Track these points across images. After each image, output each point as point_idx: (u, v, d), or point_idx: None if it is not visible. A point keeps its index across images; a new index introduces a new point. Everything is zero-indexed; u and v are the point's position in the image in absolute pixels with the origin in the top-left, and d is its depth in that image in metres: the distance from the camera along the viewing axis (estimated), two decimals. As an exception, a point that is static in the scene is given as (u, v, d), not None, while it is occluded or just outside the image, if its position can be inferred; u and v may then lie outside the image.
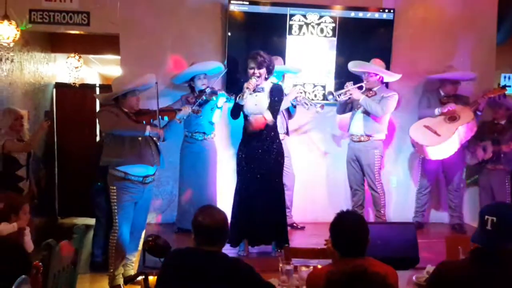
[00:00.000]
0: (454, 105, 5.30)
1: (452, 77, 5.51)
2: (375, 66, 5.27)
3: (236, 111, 4.49)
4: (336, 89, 5.51)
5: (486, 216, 2.29)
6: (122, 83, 4.38)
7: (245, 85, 4.37)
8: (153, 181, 4.45)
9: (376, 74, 5.25)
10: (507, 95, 5.58)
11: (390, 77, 5.37)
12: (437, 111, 5.37)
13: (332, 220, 2.60)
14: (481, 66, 5.95)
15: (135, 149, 4.23)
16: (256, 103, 4.43)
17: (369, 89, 5.28)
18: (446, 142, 5.15)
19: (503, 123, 5.50)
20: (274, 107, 4.47)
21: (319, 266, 2.82)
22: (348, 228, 2.53)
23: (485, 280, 2.23)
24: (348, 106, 5.38)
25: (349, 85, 5.18)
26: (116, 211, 4.26)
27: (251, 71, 4.40)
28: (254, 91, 4.40)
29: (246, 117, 4.49)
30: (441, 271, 2.41)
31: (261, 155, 4.45)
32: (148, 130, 4.24)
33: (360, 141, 5.26)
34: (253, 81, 4.37)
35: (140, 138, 4.25)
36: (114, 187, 4.24)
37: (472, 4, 5.97)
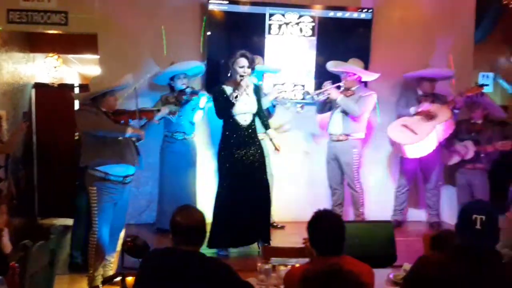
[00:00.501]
0: (428, 105, 5.34)
1: (427, 75, 5.54)
2: (354, 66, 5.31)
3: (228, 110, 4.47)
4: (316, 89, 5.54)
5: (474, 215, 2.28)
6: (101, 82, 4.36)
7: (242, 83, 4.38)
8: (132, 181, 4.43)
9: (355, 74, 5.28)
10: (485, 94, 5.65)
11: (368, 76, 5.41)
12: (412, 110, 5.42)
13: (310, 219, 2.63)
14: (460, 64, 6.00)
15: (117, 149, 4.21)
16: (246, 102, 4.47)
17: (347, 89, 5.31)
18: (423, 140, 5.20)
19: (480, 123, 5.55)
20: (260, 107, 4.57)
21: (297, 265, 2.85)
22: (324, 227, 2.56)
23: (473, 279, 2.24)
24: (327, 106, 5.41)
25: (327, 85, 5.21)
26: (96, 212, 4.23)
27: (241, 70, 4.41)
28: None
29: (230, 116, 4.48)
30: (419, 267, 2.42)
31: (244, 154, 4.47)
32: (129, 132, 4.23)
33: (339, 140, 5.30)
34: (249, 81, 4.39)
35: (120, 138, 4.23)
36: (94, 188, 4.21)
37: (450, 3, 6.02)
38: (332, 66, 5.38)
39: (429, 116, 5.30)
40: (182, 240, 2.59)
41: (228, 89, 4.48)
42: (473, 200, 4.70)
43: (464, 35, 6.09)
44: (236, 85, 4.42)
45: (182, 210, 2.69)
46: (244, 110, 4.48)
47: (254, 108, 4.54)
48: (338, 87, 5.27)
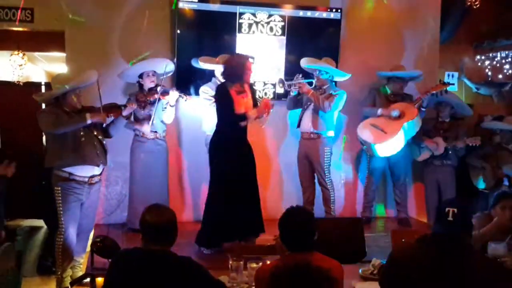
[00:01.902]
0: (397, 111, 5.39)
1: (403, 75, 5.64)
2: (327, 64, 5.35)
3: (232, 109, 4.46)
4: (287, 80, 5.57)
5: (447, 208, 2.42)
6: (62, 81, 4.28)
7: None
8: (99, 181, 4.38)
9: (327, 73, 5.32)
10: (449, 92, 5.78)
11: (341, 76, 5.47)
12: (379, 111, 5.47)
13: (281, 216, 2.65)
14: (425, 64, 6.14)
15: (77, 150, 4.16)
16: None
17: (319, 87, 5.35)
18: (392, 138, 5.28)
19: (447, 121, 5.70)
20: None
21: (268, 262, 2.86)
22: (295, 223, 2.59)
23: (446, 266, 2.32)
24: (298, 102, 5.44)
25: (299, 77, 5.22)
26: (61, 212, 4.18)
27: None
28: None
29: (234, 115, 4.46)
30: (394, 257, 2.51)
31: (241, 149, 4.54)
32: (90, 118, 4.17)
33: (310, 138, 5.33)
34: None
35: (83, 139, 4.17)
36: (59, 188, 4.15)
37: (417, 4, 6.14)
38: (306, 62, 5.42)
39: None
40: (152, 240, 2.57)
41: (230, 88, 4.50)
42: (450, 198, 4.82)
43: (430, 35, 6.22)
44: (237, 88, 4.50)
45: (152, 209, 2.66)
46: (246, 109, 4.49)
47: (251, 106, 4.55)
48: (310, 84, 5.31)
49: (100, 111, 4.27)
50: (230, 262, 2.91)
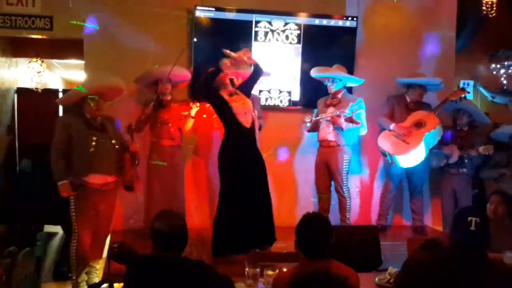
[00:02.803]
0: (416, 113, 5.40)
1: (423, 82, 5.58)
2: (339, 71, 5.35)
3: (229, 113, 4.50)
4: (301, 96, 5.60)
5: (470, 218, 2.40)
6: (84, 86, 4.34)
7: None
8: (114, 188, 4.40)
9: (340, 80, 5.33)
10: (467, 100, 5.75)
11: (354, 82, 5.47)
12: (391, 126, 5.42)
13: (298, 222, 2.65)
14: (441, 72, 6.09)
15: (87, 160, 4.18)
16: (243, 102, 4.57)
17: (334, 97, 5.35)
18: (415, 149, 5.24)
19: (465, 129, 5.65)
20: None
21: (285, 270, 2.87)
22: (312, 230, 2.59)
23: (463, 276, 2.32)
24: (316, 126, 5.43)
25: (327, 114, 5.23)
26: (74, 218, 4.23)
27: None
28: None
29: (233, 119, 4.48)
30: (408, 266, 2.51)
31: (249, 157, 4.53)
32: (60, 187, 4.15)
33: (330, 146, 5.32)
34: None
35: (92, 149, 4.19)
36: (72, 194, 4.20)
37: (432, 12, 6.13)
38: (317, 72, 5.43)
39: (418, 124, 5.34)
40: (162, 247, 2.60)
41: (223, 95, 4.51)
42: (467, 205, 4.80)
43: (446, 44, 6.19)
44: (228, 91, 4.49)
45: (161, 216, 2.69)
46: (244, 110, 4.50)
47: (250, 106, 4.56)
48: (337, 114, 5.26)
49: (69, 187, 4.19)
50: (247, 270, 2.93)
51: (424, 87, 5.62)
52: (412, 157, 5.28)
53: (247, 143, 4.55)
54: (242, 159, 4.48)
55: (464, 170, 5.58)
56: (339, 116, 5.16)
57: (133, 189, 4.54)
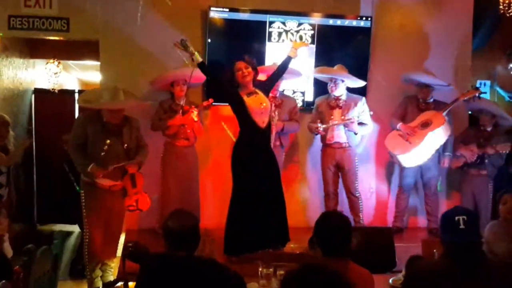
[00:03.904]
0: (425, 113, 5.37)
1: (424, 80, 5.53)
2: (341, 72, 5.32)
3: (245, 111, 4.48)
4: (315, 95, 5.59)
5: (457, 217, 2.39)
6: (101, 97, 4.36)
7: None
8: (123, 188, 4.43)
9: (343, 81, 5.30)
10: (490, 101, 5.67)
11: (355, 83, 5.41)
12: (398, 126, 5.41)
13: (318, 218, 2.66)
14: (458, 72, 6.07)
15: (99, 161, 4.22)
16: (262, 102, 4.51)
17: (337, 98, 5.32)
18: (415, 148, 5.22)
19: (489, 130, 5.55)
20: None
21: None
22: (333, 226, 2.59)
23: (463, 274, 2.32)
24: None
25: (339, 120, 5.22)
26: (85, 215, 4.32)
27: (239, 73, 4.49)
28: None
29: (249, 118, 4.46)
30: (413, 270, 2.53)
31: (263, 157, 4.52)
32: (91, 171, 4.18)
33: (341, 147, 5.31)
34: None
35: (103, 153, 4.22)
36: (84, 192, 4.29)
37: (448, 11, 6.06)
38: (319, 72, 5.43)
39: (425, 124, 5.31)
40: (175, 246, 2.62)
41: (242, 94, 4.49)
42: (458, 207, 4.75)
43: (462, 43, 6.13)
44: (247, 90, 4.48)
45: (174, 216, 2.71)
46: (260, 110, 4.47)
47: (268, 106, 4.53)
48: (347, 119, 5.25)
49: (109, 167, 4.24)
50: (260, 270, 2.93)
51: (430, 86, 5.55)
52: (415, 156, 5.26)
53: (261, 143, 4.55)
54: (255, 159, 4.48)
55: (484, 171, 5.49)
56: (353, 122, 5.15)
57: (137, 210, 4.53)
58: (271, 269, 2.92)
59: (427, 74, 5.70)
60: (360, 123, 5.25)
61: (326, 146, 5.41)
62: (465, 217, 2.38)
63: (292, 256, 3.53)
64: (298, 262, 3.21)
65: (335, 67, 5.39)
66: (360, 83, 5.43)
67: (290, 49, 4.71)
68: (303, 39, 5.69)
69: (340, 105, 5.29)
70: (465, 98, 5.41)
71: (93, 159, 4.22)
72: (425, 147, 5.26)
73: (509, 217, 3.73)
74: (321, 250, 2.57)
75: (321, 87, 5.71)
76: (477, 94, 5.41)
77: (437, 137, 5.29)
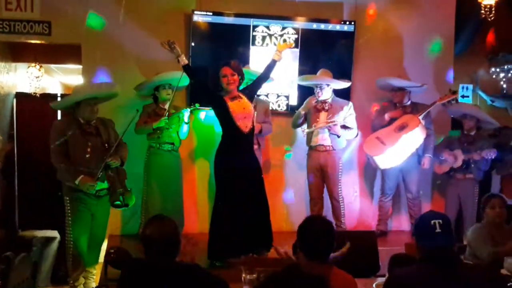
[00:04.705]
0: (399, 113, 5.43)
1: (396, 84, 5.56)
2: (325, 77, 5.33)
3: (228, 116, 4.45)
4: (299, 100, 5.61)
5: (433, 221, 2.41)
6: (80, 90, 4.34)
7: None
8: (108, 194, 4.37)
9: (328, 85, 5.30)
10: (474, 105, 5.71)
11: (340, 85, 5.41)
12: (386, 115, 5.47)
13: (301, 223, 2.64)
14: (440, 76, 6.11)
15: (81, 167, 4.18)
16: (244, 106, 4.48)
17: (324, 101, 5.32)
18: (389, 150, 5.26)
19: (473, 134, 5.58)
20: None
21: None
22: (317, 230, 2.57)
23: (442, 278, 2.33)
24: (305, 120, 5.41)
25: (323, 123, 5.21)
26: (70, 222, 4.24)
27: (225, 79, 4.45)
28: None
29: (231, 123, 4.43)
30: (392, 276, 2.52)
31: (245, 162, 4.49)
32: (79, 181, 4.13)
33: (325, 150, 5.31)
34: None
35: (87, 155, 4.20)
36: (68, 198, 4.21)
37: (431, 16, 6.12)
38: (302, 80, 5.44)
39: (401, 127, 5.34)
40: (154, 254, 2.57)
41: (225, 98, 4.45)
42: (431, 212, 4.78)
43: (444, 47, 6.18)
44: (230, 94, 4.44)
45: (152, 222, 2.65)
46: (243, 115, 4.45)
47: (251, 111, 4.52)
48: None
49: (95, 179, 4.19)
50: (243, 275, 2.91)
51: (404, 89, 5.57)
52: (390, 157, 5.30)
53: (244, 148, 4.52)
54: (237, 163, 4.45)
55: (470, 175, 5.52)
56: (335, 124, 5.15)
57: (124, 206, 4.48)
58: (254, 275, 2.90)
59: (400, 77, 5.70)
60: (345, 127, 5.25)
61: (311, 149, 5.41)
62: (440, 220, 2.40)
63: (276, 261, 3.49)
64: (282, 267, 3.23)
65: (319, 72, 5.40)
66: (345, 85, 5.43)
67: (275, 52, 4.69)
68: (287, 42, 5.68)
69: (326, 108, 5.29)
70: (443, 102, 5.46)
71: (77, 162, 4.17)
72: (400, 149, 5.29)
73: (498, 221, 3.74)
74: (304, 255, 2.55)
75: (305, 91, 5.71)
76: (455, 98, 5.45)
77: (413, 138, 5.31)
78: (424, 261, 2.43)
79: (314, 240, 2.54)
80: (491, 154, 5.31)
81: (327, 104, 5.30)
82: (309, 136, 5.36)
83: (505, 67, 7.60)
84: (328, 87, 5.29)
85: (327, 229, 2.59)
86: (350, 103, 5.33)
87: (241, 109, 4.44)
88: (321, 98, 5.29)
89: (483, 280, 2.38)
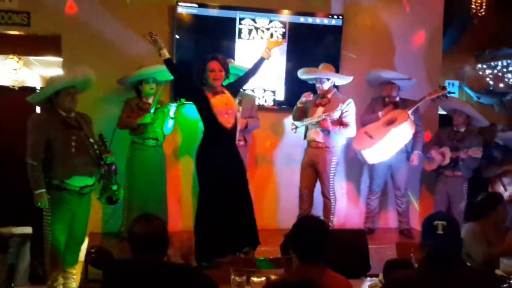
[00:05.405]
0: (390, 110, 5.35)
1: (387, 77, 5.50)
2: (327, 71, 5.24)
3: (210, 112, 4.34)
4: (286, 95, 5.50)
5: (436, 222, 2.37)
6: (55, 81, 4.15)
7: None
8: (91, 191, 4.23)
9: (329, 79, 5.21)
10: (463, 101, 5.68)
11: (342, 80, 5.34)
12: (380, 113, 5.40)
13: (294, 224, 2.55)
14: (428, 71, 6.07)
15: (68, 161, 4.00)
16: (226, 102, 4.38)
17: (323, 96, 5.23)
18: (377, 144, 5.19)
19: (462, 131, 5.55)
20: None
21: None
22: (311, 231, 2.47)
23: (442, 280, 2.29)
24: (304, 112, 5.28)
25: (312, 118, 5.11)
26: (49, 221, 4.05)
27: (212, 74, 4.34)
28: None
29: (213, 118, 4.32)
30: (392, 280, 2.44)
31: (227, 159, 4.38)
32: (37, 196, 3.93)
33: (319, 147, 5.21)
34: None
35: (73, 149, 4.02)
36: (49, 196, 4.00)
37: (419, 11, 6.06)
38: (303, 73, 5.31)
39: (390, 122, 5.28)
40: (142, 252, 2.47)
41: (208, 93, 4.34)
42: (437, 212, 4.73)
43: (432, 42, 6.13)
44: (213, 89, 4.32)
45: (140, 220, 2.56)
46: (226, 111, 4.34)
47: (235, 107, 4.41)
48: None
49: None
50: (232, 277, 2.79)
51: (393, 83, 5.50)
52: (378, 152, 5.23)
53: (226, 145, 4.41)
54: (220, 161, 4.33)
55: (459, 173, 5.48)
56: (325, 119, 5.04)
57: (115, 202, 4.39)
58: (244, 277, 2.78)
59: (388, 70, 5.65)
60: (341, 123, 5.14)
61: (307, 145, 5.33)
62: (444, 222, 2.36)
63: (265, 261, 3.39)
64: (272, 268, 3.12)
65: (320, 66, 5.30)
66: (346, 80, 5.34)
67: (264, 50, 4.58)
68: (274, 37, 5.58)
69: (324, 103, 5.19)
70: (432, 97, 5.41)
71: (64, 160, 3.99)
72: (389, 143, 5.23)
73: (501, 226, 3.67)
74: (297, 257, 2.45)
75: (292, 86, 5.62)
76: (444, 94, 5.41)
77: (401, 133, 5.25)
78: (426, 262, 2.38)
79: (308, 242, 2.44)
80: (477, 153, 5.27)
81: (325, 100, 5.20)
82: (306, 131, 5.28)
83: (492, 63, 7.62)
84: (328, 81, 5.20)
85: (323, 231, 2.50)
86: (350, 100, 5.20)
87: (223, 105, 4.33)
88: (322, 93, 5.19)
89: (484, 283, 2.33)
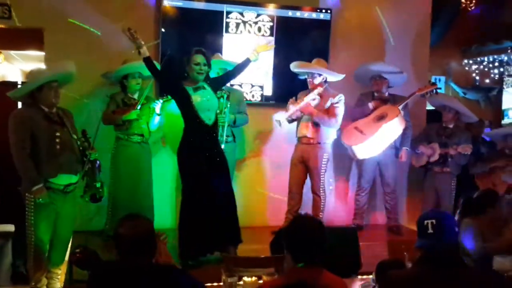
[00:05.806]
0: (380, 105, 5.32)
1: (378, 70, 5.47)
2: (319, 67, 5.18)
3: (190, 108, 4.27)
4: (274, 89, 5.41)
5: (426, 221, 2.36)
6: (37, 75, 4.01)
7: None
8: (75, 189, 4.11)
9: (321, 74, 5.15)
10: (452, 97, 5.66)
11: (334, 77, 5.28)
12: (370, 104, 5.37)
13: (289, 223, 2.50)
14: (415, 66, 6.06)
15: (53, 159, 3.88)
16: (208, 98, 4.32)
17: (313, 89, 5.16)
18: (368, 139, 5.16)
19: (451, 127, 5.54)
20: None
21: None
22: (308, 232, 2.41)
23: (439, 280, 2.26)
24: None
25: (296, 103, 5.04)
26: (32, 220, 3.91)
27: (197, 67, 4.27)
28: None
29: (194, 115, 4.24)
30: (389, 279, 2.38)
31: (207, 155, 4.29)
32: (34, 191, 3.81)
33: (309, 143, 5.15)
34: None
35: (58, 146, 3.90)
36: (32, 196, 3.88)
37: (406, 6, 6.04)
38: (297, 66, 5.24)
39: (381, 117, 5.25)
40: (129, 253, 2.40)
41: (188, 89, 4.27)
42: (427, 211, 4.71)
43: (420, 37, 6.11)
44: (194, 84, 4.23)
45: (126, 221, 2.48)
46: (207, 107, 4.27)
47: (215, 104, 4.35)
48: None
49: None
50: (223, 278, 2.73)
51: (383, 77, 5.47)
52: (369, 147, 5.20)
53: (208, 141, 4.33)
54: (201, 158, 4.27)
55: (448, 169, 5.47)
56: (308, 104, 4.98)
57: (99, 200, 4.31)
58: (235, 277, 2.72)
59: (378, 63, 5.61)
60: (327, 111, 5.08)
61: (298, 141, 5.27)
62: (433, 221, 2.36)
63: (256, 261, 3.31)
64: (263, 268, 3.06)
65: (314, 61, 5.24)
66: (339, 77, 5.27)
67: (252, 52, 4.52)
68: (262, 31, 5.51)
69: (316, 98, 5.12)
70: (422, 93, 5.39)
71: (50, 157, 3.86)
72: (380, 139, 5.20)
73: (497, 223, 3.66)
74: (292, 258, 2.38)
75: (280, 81, 5.55)
76: (434, 89, 5.39)
77: (392, 129, 5.22)
78: (421, 262, 2.35)
79: (305, 243, 2.38)
80: (467, 149, 5.27)
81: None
82: (296, 127, 5.24)
83: (478, 59, 7.63)
84: (320, 77, 5.14)
85: (319, 230, 2.43)
86: (340, 95, 5.16)
87: (205, 101, 4.27)
88: (313, 87, 5.12)
89: (482, 282, 2.29)
